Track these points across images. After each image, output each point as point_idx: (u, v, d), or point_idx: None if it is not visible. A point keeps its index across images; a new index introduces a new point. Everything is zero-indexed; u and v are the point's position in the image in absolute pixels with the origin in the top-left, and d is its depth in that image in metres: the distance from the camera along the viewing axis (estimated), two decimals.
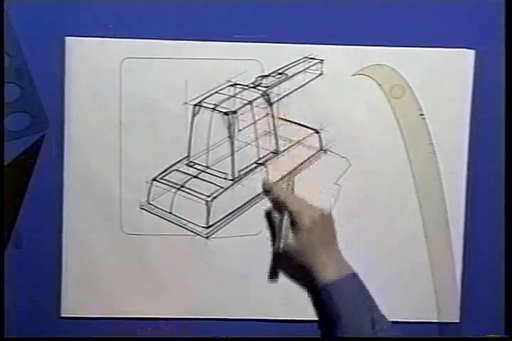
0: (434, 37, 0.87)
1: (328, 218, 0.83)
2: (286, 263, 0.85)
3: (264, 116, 0.88)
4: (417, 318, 0.89)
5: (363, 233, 0.89)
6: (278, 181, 0.86)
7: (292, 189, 0.85)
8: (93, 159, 0.87)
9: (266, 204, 0.88)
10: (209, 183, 0.87)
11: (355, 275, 0.81)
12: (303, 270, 0.82)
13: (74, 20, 0.85)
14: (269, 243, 0.88)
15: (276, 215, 0.84)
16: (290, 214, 0.82)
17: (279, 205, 0.84)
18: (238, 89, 0.86)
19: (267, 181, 0.87)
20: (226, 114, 0.84)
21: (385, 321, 0.79)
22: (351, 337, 0.81)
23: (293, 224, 0.82)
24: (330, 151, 0.88)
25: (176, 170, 0.88)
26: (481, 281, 0.89)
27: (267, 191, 0.87)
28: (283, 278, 0.88)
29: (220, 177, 0.88)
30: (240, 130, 0.86)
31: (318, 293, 0.81)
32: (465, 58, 0.87)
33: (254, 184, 0.88)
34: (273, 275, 0.88)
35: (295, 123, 0.88)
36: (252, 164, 0.89)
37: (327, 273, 0.80)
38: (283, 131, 0.89)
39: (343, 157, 0.88)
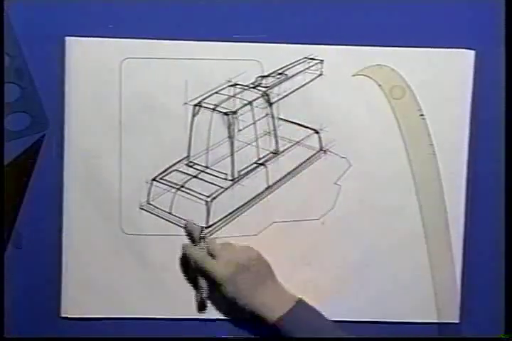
0: (434, 37, 0.87)
1: (253, 265, 0.82)
2: (225, 309, 0.85)
3: (264, 117, 0.88)
4: (417, 318, 0.89)
5: (363, 233, 0.89)
6: (196, 242, 0.85)
7: (205, 243, 0.84)
8: (93, 159, 0.87)
9: (266, 204, 0.88)
10: (209, 183, 0.87)
11: (300, 301, 0.81)
12: (247, 313, 0.82)
13: (74, 20, 0.85)
14: (268, 243, 0.88)
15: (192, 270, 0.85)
16: (206, 274, 0.82)
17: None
18: (238, 90, 0.86)
19: (184, 246, 0.86)
20: (226, 114, 0.84)
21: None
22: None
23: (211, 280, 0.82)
24: (330, 151, 0.88)
25: (176, 170, 0.88)
26: (481, 281, 0.89)
27: (184, 255, 0.86)
28: (282, 278, 0.88)
29: (219, 178, 0.88)
30: (240, 130, 0.86)
31: (273, 330, 0.80)
32: (465, 58, 0.87)
33: (254, 184, 0.88)
34: (201, 308, 0.87)
35: (295, 123, 0.88)
36: (251, 164, 0.89)
37: (273, 310, 0.80)
38: (283, 131, 0.89)
39: (342, 157, 0.88)
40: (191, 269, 0.86)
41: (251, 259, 0.83)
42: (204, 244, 0.84)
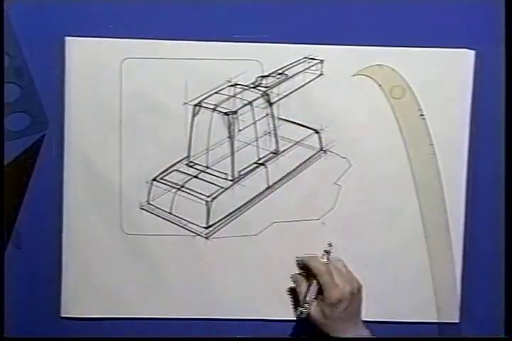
0: (434, 37, 0.87)
1: (357, 295, 0.83)
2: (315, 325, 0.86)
3: (264, 117, 0.88)
4: (417, 318, 0.89)
5: (363, 233, 0.89)
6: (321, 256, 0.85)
7: (328, 259, 0.84)
8: (93, 159, 0.87)
9: (266, 204, 0.88)
10: (209, 183, 0.87)
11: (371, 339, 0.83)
12: (323, 334, 0.83)
13: (74, 20, 0.85)
14: (268, 243, 0.88)
15: (303, 282, 0.85)
16: (321, 285, 0.82)
17: (310, 273, 0.84)
18: (238, 90, 0.86)
19: (304, 258, 0.86)
20: (226, 114, 0.84)
21: None
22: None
23: (320, 294, 0.82)
24: (330, 151, 0.88)
25: (176, 170, 0.88)
26: (481, 281, 0.89)
27: (302, 262, 0.87)
28: (282, 278, 0.88)
29: (220, 178, 0.88)
30: (240, 130, 0.86)
31: None
32: (465, 58, 0.87)
33: (254, 184, 0.88)
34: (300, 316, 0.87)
35: (295, 123, 0.88)
36: (252, 164, 0.89)
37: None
38: (283, 131, 0.88)
39: (343, 157, 0.88)
40: (305, 278, 0.86)
41: (356, 290, 0.83)
42: (327, 261, 0.84)
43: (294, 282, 0.87)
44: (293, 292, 0.87)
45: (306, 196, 0.88)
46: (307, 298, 0.83)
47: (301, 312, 0.82)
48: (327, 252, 0.85)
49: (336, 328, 0.81)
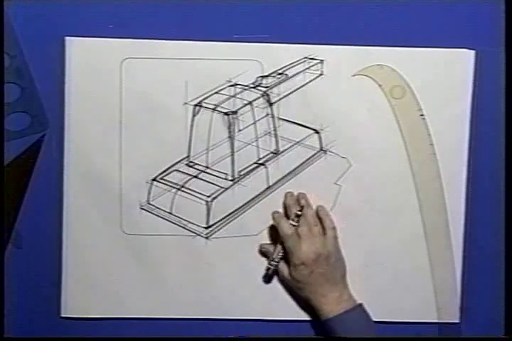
0: (434, 37, 0.87)
1: (325, 260, 0.83)
2: (288, 288, 0.88)
3: (265, 117, 0.88)
4: (417, 318, 0.89)
5: (363, 233, 0.89)
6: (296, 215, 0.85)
7: (298, 222, 0.84)
8: (93, 159, 0.87)
9: (266, 204, 0.88)
10: (209, 183, 0.87)
11: (356, 308, 0.82)
12: (305, 301, 0.85)
13: (74, 20, 0.85)
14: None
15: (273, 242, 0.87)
16: (284, 249, 0.84)
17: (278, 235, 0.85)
18: (238, 90, 0.86)
19: (275, 218, 0.85)
20: (226, 114, 0.84)
21: None
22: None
23: (286, 258, 0.84)
24: (330, 151, 0.88)
25: (176, 170, 0.88)
26: (481, 281, 0.89)
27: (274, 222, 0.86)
28: (280, 276, 0.88)
29: (220, 178, 0.88)
30: (240, 130, 0.86)
31: (322, 326, 0.83)
32: (465, 58, 0.87)
33: (254, 184, 0.88)
34: (268, 280, 0.88)
35: (295, 123, 0.88)
36: (252, 164, 0.89)
37: (329, 308, 0.81)
38: (283, 131, 0.89)
39: (343, 157, 0.88)
40: (275, 238, 0.87)
41: (331, 253, 0.83)
42: (296, 224, 0.84)
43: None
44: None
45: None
46: (273, 257, 0.84)
47: (268, 268, 0.85)
48: (297, 216, 0.84)
49: (312, 290, 0.82)
